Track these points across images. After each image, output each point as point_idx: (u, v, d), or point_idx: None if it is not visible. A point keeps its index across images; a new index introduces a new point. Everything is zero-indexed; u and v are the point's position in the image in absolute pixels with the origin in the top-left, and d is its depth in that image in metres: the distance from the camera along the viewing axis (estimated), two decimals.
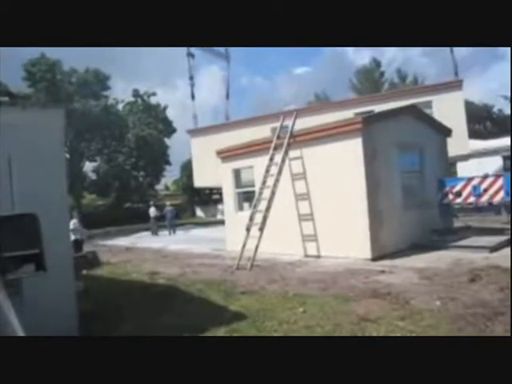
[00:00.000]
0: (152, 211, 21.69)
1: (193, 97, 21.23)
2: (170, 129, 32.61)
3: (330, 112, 15.24)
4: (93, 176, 31.62)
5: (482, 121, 43.82)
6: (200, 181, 19.19)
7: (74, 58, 34.68)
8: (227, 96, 22.05)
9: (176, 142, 34.29)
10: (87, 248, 12.42)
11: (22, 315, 1.27)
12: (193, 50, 20.10)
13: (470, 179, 10.22)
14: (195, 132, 19.78)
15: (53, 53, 26.67)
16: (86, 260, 10.58)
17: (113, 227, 25.28)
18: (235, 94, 78.96)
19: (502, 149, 20.70)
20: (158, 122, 31.58)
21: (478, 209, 14.14)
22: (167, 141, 32.35)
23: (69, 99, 26.27)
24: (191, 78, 21.20)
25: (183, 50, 20.91)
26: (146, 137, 29.07)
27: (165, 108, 32.69)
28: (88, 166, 31.30)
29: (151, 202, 24.39)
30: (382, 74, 41.15)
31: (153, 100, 33.03)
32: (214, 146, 13.81)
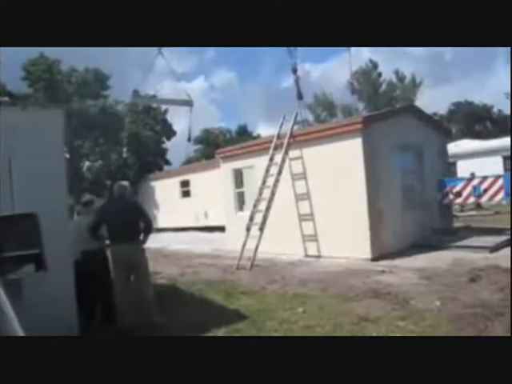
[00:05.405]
0: None
1: None
2: (169, 131, 32.43)
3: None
4: (89, 176, 31.44)
5: (482, 121, 43.88)
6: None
7: (92, 56, 34.32)
8: (189, 139, 26.67)
9: (175, 144, 34.12)
10: None
11: (22, 315, 1.27)
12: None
13: (469, 179, 10.23)
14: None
15: (54, 53, 26.52)
16: None
17: None
18: (238, 93, 78.27)
19: (501, 149, 20.72)
20: (157, 123, 31.41)
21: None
22: (167, 143, 32.18)
23: (68, 99, 26.15)
24: None
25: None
26: (139, 133, 28.83)
27: (165, 112, 32.54)
28: (88, 166, 31.21)
29: None
30: (380, 74, 41.39)
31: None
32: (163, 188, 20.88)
